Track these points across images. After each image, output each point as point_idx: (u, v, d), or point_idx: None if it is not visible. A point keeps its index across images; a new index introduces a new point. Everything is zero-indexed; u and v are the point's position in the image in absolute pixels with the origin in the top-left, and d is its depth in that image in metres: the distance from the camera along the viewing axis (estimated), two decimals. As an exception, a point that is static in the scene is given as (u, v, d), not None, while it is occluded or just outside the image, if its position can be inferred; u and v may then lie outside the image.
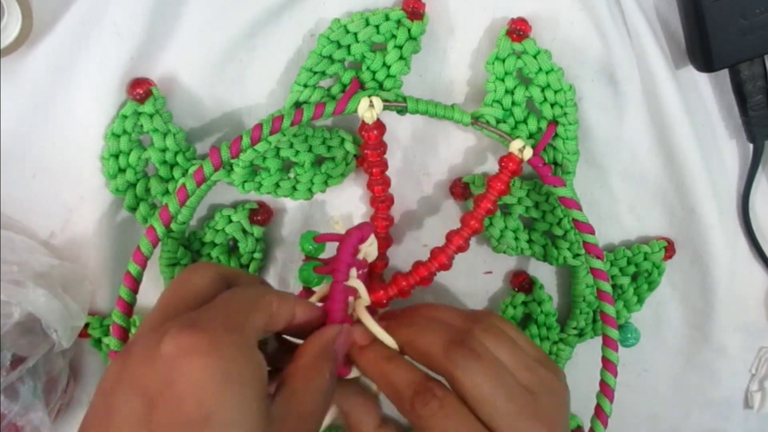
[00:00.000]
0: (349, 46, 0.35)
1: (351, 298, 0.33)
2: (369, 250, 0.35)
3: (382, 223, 0.39)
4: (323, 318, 0.32)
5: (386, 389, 0.31)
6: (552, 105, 0.37)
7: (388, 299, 0.37)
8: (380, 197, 0.38)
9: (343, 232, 0.34)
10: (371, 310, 0.38)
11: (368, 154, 0.37)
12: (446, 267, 0.37)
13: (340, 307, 0.32)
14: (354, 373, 0.33)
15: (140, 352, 0.24)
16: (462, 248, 0.37)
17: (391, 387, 0.30)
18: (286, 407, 0.26)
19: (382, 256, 0.40)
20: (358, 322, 0.33)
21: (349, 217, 0.41)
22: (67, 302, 0.36)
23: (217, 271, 0.29)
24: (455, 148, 0.40)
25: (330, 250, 0.34)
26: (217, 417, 0.23)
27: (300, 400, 0.27)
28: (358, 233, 0.33)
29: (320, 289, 0.33)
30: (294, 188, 0.38)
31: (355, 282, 0.33)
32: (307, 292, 0.34)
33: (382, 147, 0.37)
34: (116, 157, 0.36)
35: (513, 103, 0.37)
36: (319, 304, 0.32)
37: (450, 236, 0.37)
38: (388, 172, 0.38)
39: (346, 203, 0.41)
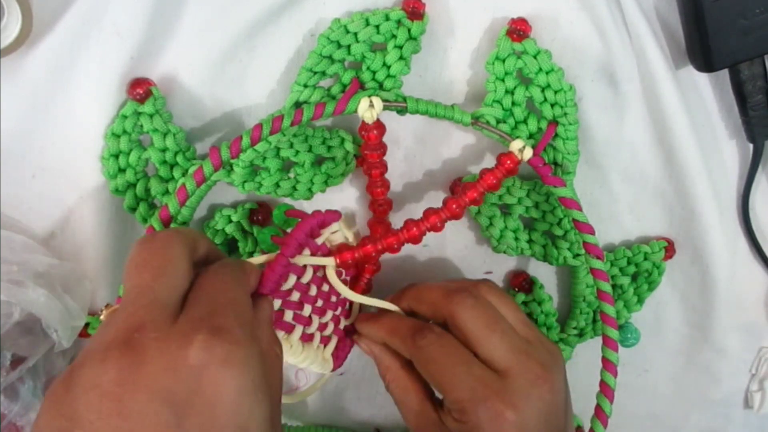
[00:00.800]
0: (349, 46, 0.35)
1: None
2: (332, 237, 0.37)
3: (379, 227, 0.39)
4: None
5: (391, 338, 0.36)
6: (552, 105, 0.37)
7: (353, 260, 0.37)
8: (379, 201, 0.38)
9: (347, 231, 0.37)
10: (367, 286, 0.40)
11: (368, 154, 0.37)
12: (416, 240, 0.37)
13: (274, 278, 0.32)
14: (302, 363, 0.35)
15: (159, 357, 0.23)
16: (436, 228, 0.37)
17: (395, 333, 0.35)
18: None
19: (375, 261, 0.40)
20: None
21: (350, 217, 0.41)
22: (67, 302, 0.36)
23: (185, 251, 0.27)
24: (455, 148, 0.40)
25: None
26: (252, 427, 0.23)
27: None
28: (321, 217, 0.35)
29: (268, 255, 0.33)
30: (294, 188, 0.38)
31: (305, 259, 0.34)
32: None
33: (382, 147, 0.37)
34: (116, 157, 0.36)
35: (513, 103, 0.37)
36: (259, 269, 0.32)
37: (427, 213, 0.37)
38: (388, 173, 0.38)
39: (345, 203, 0.41)
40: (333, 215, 0.36)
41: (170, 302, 0.25)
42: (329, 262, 0.36)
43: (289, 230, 0.36)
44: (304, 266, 0.35)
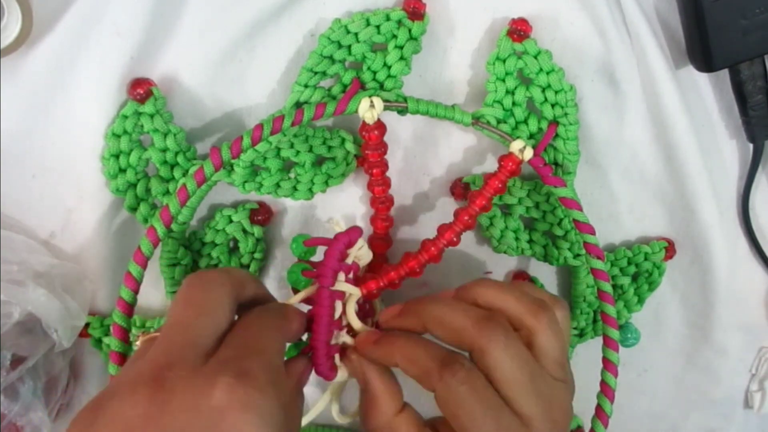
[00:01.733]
0: (349, 47, 0.35)
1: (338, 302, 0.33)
2: (360, 253, 0.35)
3: (382, 224, 0.39)
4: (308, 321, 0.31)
5: (410, 366, 0.30)
6: (553, 105, 0.37)
7: (378, 289, 0.37)
8: (380, 198, 0.38)
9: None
10: (368, 309, 0.38)
11: (369, 154, 0.37)
12: (436, 260, 0.37)
13: (327, 312, 0.31)
14: (341, 376, 0.33)
15: (184, 397, 0.23)
16: (452, 243, 0.37)
17: (416, 363, 0.30)
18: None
19: (382, 257, 0.40)
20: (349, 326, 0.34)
21: (351, 217, 0.41)
22: (67, 302, 0.36)
23: (231, 293, 0.28)
24: (455, 149, 0.40)
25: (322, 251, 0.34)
26: None
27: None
28: (345, 238, 0.33)
29: (306, 291, 0.33)
30: (294, 188, 0.38)
31: (343, 285, 0.33)
32: (296, 292, 0.34)
33: (382, 147, 0.37)
34: (117, 157, 0.36)
35: (514, 104, 0.37)
36: (302, 305, 0.32)
37: (441, 230, 0.37)
38: (388, 173, 0.38)
39: (346, 203, 0.41)
40: (356, 232, 0.34)
41: (206, 342, 0.26)
42: (355, 291, 0.34)
43: (312, 258, 0.35)
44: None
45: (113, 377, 0.26)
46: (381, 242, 0.40)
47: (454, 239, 0.37)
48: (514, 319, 0.31)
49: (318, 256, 0.35)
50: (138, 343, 0.29)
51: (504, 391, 0.29)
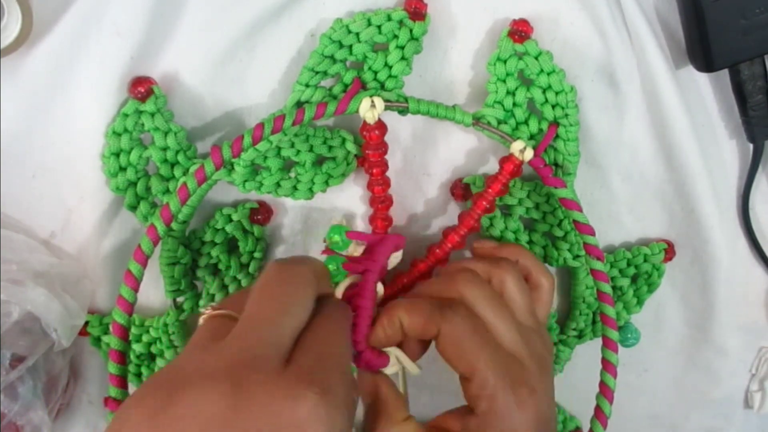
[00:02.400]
0: (351, 46, 0.35)
1: None
2: (393, 258, 0.36)
3: (382, 223, 0.39)
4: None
5: (414, 317, 0.31)
6: (553, 106, 0.37)
7: (392, 295, 0.38)
8: (380, 197, 0.38)
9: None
10: None
11: (369, 154, 0.37)
12: (444, 264, 0.38)
13: (371, 305, 0.32)
14: (391, 368, 0.33)
15: (264, 403, 0.22)
16: (458, 245, 0.38)
17: (419, 312, 0.31)
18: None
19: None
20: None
21: (351, 216, 0.41)
22: (67, 301, 0.36)
23: (316, 290, 0.28)
24: (455, 149, 0.40)
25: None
26: None
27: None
28: (396, 240, 0.34)
29: (352, 279, 0.33)
30: (295, 188, 0.38)
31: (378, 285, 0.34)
32: None
33: (383, 147, 0.37)
34: (117, 155, 0.36)
35: (514, 104, 0.37)
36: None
37: (447, 233, 0.38)
38: (388, 173, 0.38)
39: (346, 203, 0.41)
40: (402, 239, 0.35)
41: (286, 342, 0.25)
42: (381, 291, 0.34)
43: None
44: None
45: (183, 359, 0.24)
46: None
47: (459, 242, 0.38)
48: (483, 273, 0.34)
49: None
50: (203, 318, 0.28)
51: (492, 331, 0.32)
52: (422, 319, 0.31)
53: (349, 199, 0.40)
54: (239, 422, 0.22)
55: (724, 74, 0.39)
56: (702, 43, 0.37)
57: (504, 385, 0.30)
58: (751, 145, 0.41)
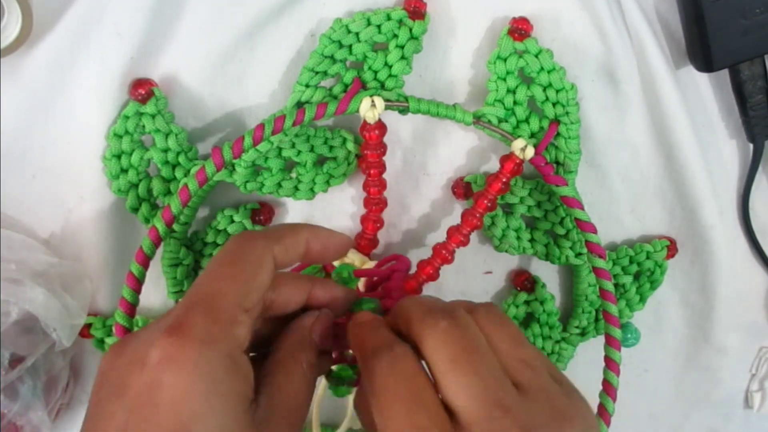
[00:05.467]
0: (350, 46, 0.35)
1: None
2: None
3: (373, 225, 0.39)
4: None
5: (355, 350, 0.28)
6: (554, 104, 0.37)
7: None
8: (375, 199, 0.38)
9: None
10: None
11: (368, 154, 0.37)
12: (449, 261, 0.39)
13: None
14: None
15: (131, 354, 0.24)
16: (462, 243, 0.38)
17: (359, 348, 0.27)
18: (270, 407, 0.25)
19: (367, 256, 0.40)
20: None
21: (354, 216, 0.41)
22: (67, 301, 0.35)
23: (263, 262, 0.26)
24: (456, 148, 0.40)
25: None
26: (195, 430, 0.22)
27: (282, 397, 0.26)
28: (404, 267, 0.34)
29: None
30: (296, 188, 0.38)
31: None
32: None
33: (382, 148, 0.37)
34: (118, 157, 0.36)
35: (515, 103, 0.37)
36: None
37: (451, 232, 0.38)
38: (387, 172, 0.38)
39: (347, 203, 0.41)
40: (407, 264, 0.35)
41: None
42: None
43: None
44: None
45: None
46: (369, 243, 0.40)
47: (463, 240, 0.38)
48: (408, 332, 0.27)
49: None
50: None
51: (438, 386, 0.25)
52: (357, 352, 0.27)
53: (349, 198, 0.40)
54: (113, 375, 0.24)
55: (724, 74, 0.40)
56: (702, 43, 0.37)
57: None
58: (751, 145, 0.41)
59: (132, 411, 0.22)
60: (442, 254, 0.38)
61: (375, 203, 0.38)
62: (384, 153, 0.37)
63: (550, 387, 0.25)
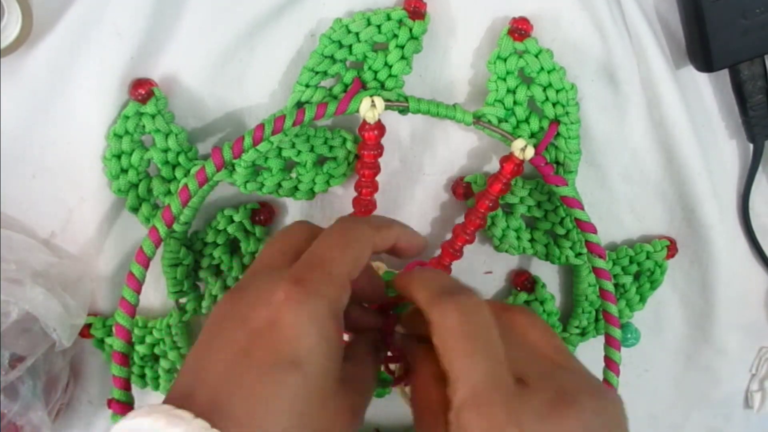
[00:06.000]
0: (350, 46, 0.35)
1: None
2: None
3: None
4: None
5: (425, 292, 0.29)
6: (554, 104, 0.37)
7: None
8: (365, 201, 0.38)
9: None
10: None
11: (364, 155, 0.37)
12: (458, 257, 0.39)
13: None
14: None
15: (253, 295, 0.27)
16: (468, 241, 0.39)
17: (433, 288, 0.29)
18: (347, 372, 0.28)
19: None
20: None
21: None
22: (67, 301, 0.36)
23: (309, 229, 0.31)
24: (455, 148, 0.40)
25: None
26: (306, 364, 0.25)
27: (356, 370, 0.30)
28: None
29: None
30: (296, 188, 0.38)
31: None
32: None
33: (379, 149, 0.37)
34: (118, 157, 0.36)
35: (515, 103, 0.37)
36: None
37: (456, 231, 0.39)
38: (387, 173, 0.38)
39: (347, 203, 0.40)
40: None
41: (278, 260, 0.29)
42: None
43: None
44: None
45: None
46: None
47: (469, 239, 0.39)
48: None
49: None
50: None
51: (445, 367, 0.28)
52: (421, 297, 0.29)
53: (348, 198, 0.40)
54: (235, 311, 0.27)
55: (724, 74, 0.40)
56: (702, 43, 0.37)
57: (476, 404, 0.25)
58: (751, 145, 0.41)
59: (254, 337, 0.26)
60: (450, 253, 0.39)
61: (364, 205, 0.38)
62: (381, 155, 0.37)
63: (572, 387, 0.28)
